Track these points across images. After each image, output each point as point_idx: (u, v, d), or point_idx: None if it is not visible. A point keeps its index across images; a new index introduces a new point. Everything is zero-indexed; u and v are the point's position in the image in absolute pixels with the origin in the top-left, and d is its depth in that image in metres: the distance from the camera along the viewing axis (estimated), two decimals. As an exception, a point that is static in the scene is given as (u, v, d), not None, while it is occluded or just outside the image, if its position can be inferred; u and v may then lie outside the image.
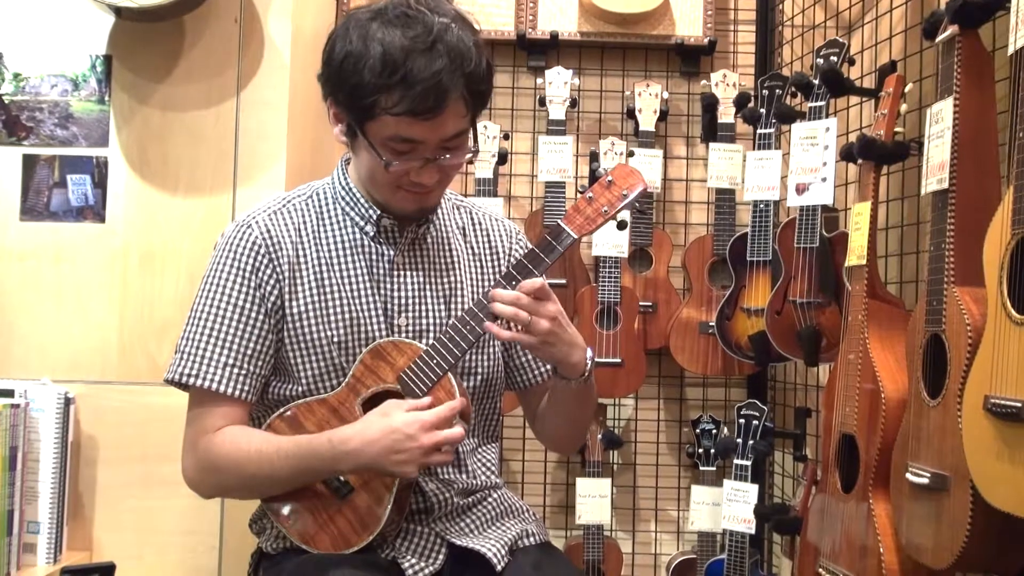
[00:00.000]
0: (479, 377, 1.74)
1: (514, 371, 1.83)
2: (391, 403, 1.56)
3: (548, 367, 1.78)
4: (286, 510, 1.63)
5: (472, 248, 1.79)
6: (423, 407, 1.55)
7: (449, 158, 1.58)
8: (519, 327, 1.55)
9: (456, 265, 1.75)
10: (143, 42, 2.33)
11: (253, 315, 1.64)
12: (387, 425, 1.52)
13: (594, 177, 1.64)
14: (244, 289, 1.64)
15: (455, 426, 1.54)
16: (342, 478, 1.60)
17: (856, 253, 2.06)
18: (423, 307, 1.69)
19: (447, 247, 1.75)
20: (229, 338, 1.63)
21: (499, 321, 1.56)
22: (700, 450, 2.86)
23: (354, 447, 1.53)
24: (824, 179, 2.37)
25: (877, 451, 1.90)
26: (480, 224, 1.83)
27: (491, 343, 1.75)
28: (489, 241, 1.81)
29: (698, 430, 2.88)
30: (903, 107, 2.06)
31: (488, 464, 1.78)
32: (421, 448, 1.51)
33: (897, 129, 2.06)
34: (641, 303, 2.92)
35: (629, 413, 3.13)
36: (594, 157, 2.89)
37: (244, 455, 1.59)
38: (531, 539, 1.74)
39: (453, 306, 1.71)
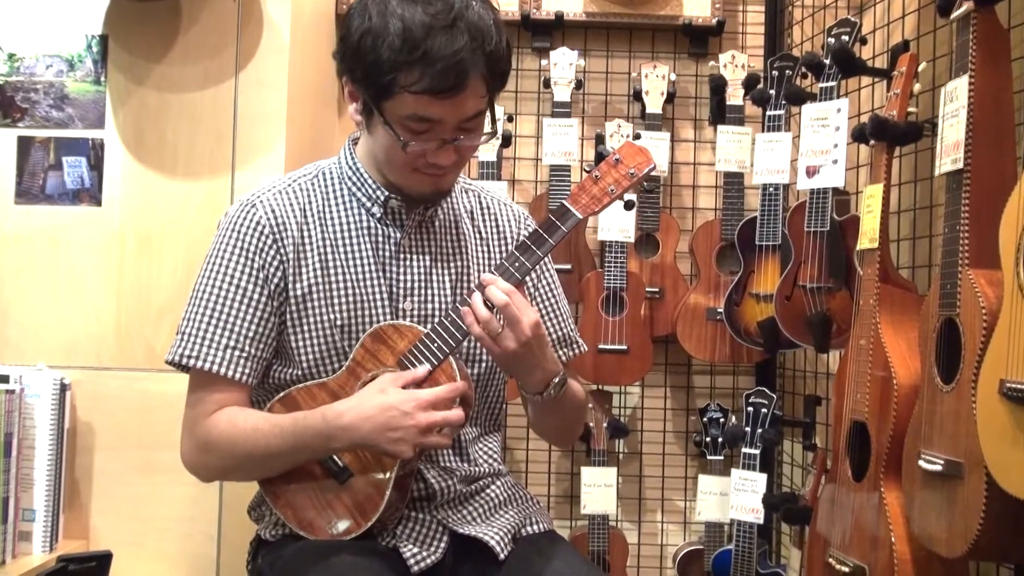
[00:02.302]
0: (483, 364, 1.74)
1: None
2: (387, 378, 1.56)
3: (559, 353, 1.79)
4: (284, 495, 1.64)
5: (480, 232, 1.79)
6: (419, 378, 1.55)
7: (466, 140, 1.57)
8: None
9: (463, 249, 1.75)
10: (140, 21, 2.32)
11: (256, 296, 1.64)
12: (383, 401, 1.52)
13: (601, 158, 1.63)
14: (247, 270, 1.64)
15: (455, 409, 1.54)
16: (340, 463, 1.60)
17: (868, 236, 2.05)
18: (429, 291, 1.69)
19: (455, 230, 1.75)
20: (231, 319, 1.63)
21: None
22: (707, 439, 2.86)
23: (348, 422, 1.53)
24: (835, 161, 2.36)
25: (889, 438, 1.90)
26: (488, 208, 1.82)
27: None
28: (497, 225, 1.81)
29: (705, 418, 2.89)
30: (916, 87, 2.05)
31: (491, 452, 1.78)
32: (416, 426, 1.50)
33: (910, 109, 2.05)
34: (648, 289, 2.91)
35: (635, 401, 3.13)
36: (600, 140, 2.89)
37: (241, 433, 1.60)
38: (535, 527, 1.75)
39: (460, 291, 1.71)
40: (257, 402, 1.71)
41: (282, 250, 1.65)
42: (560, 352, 1.81)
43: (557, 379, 1.63)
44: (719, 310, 2.83)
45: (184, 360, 1.64)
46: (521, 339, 1.54)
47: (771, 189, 2.69)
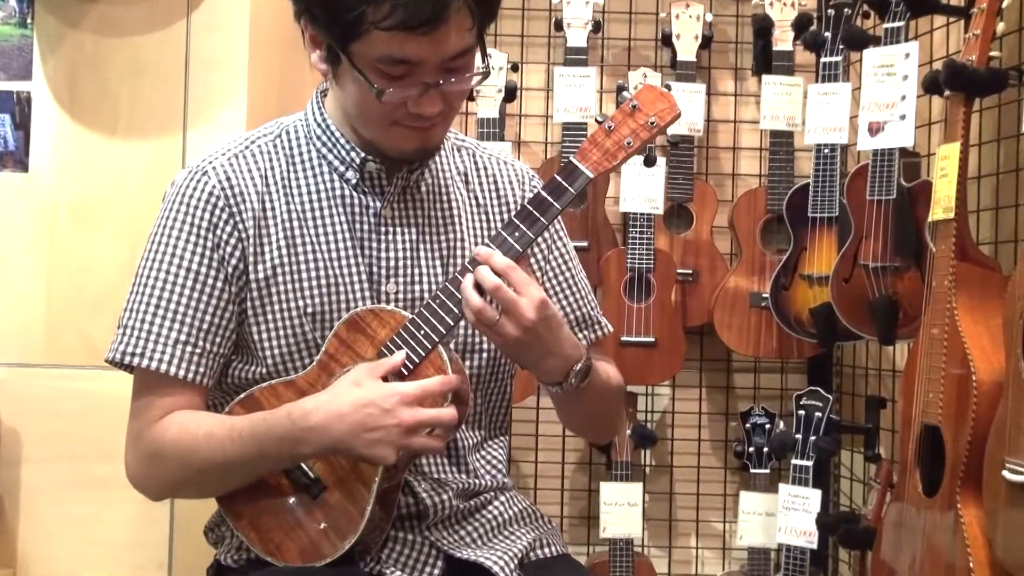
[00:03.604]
0: (484, 356, 1.73)
1: None
2: (362, 369, 1.55)
3: (580, 336, 1.79)
4: (247, 514, 1.64)
5: (476, 197, 1.79)
6: (398, 366, 1.54)
7: (454, 82, 1.56)
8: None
9: (456, 219, 1.74)
10: (73, -48, 2.32)
11: (210, 282, 1.64)
12: (358, 396, 1.52)
13: (618, 104, 1.62)
14: (199, 250, 1.64)
15: (446, 407, 1.54)
16: (311, 473, 1.60)
17: (942, 206, 2.05)
18: (416, 271, 1.69)
19: (445, 197, 1.74)
20: (182, 310, 1.63)
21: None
22: (751, 449, 2.86)
23: (317, 422, 1.53)
24: (903, 116, 2.36)
25: (967, 446, 1.90)
26: (486, 168, 1.82)
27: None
28: (497, 188, 1.81)
29: (748, 424, 2.88)
30: (1000, 26, 2.04)
31: (494, 462, 1.78)
32: (400, 426, 1.50)
33: (993, 54, 2.05)
34: (679, 270, 2.91)
35: (664, 404, 3.13)
36: (621, 92, 2.88)
37: (192, 440, 1.60)
38: (546, 550, 1.74)
39: (452, 268, 1.70)
40: (214, 407, 1.70)
41: (240, 225, 1.65)
42: (580, 335, 1.80)
43: (579, 366, 1.62)
44: (764, 295, 2.83)
45: (127, 359, 1.64)
46: (524, 324, 1.53)
47: (826, 150, 2.68)
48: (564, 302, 1.81)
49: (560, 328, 1.60)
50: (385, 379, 1.54)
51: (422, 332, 1.56)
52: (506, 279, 1.53)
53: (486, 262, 1.54)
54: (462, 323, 1.59)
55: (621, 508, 2.84)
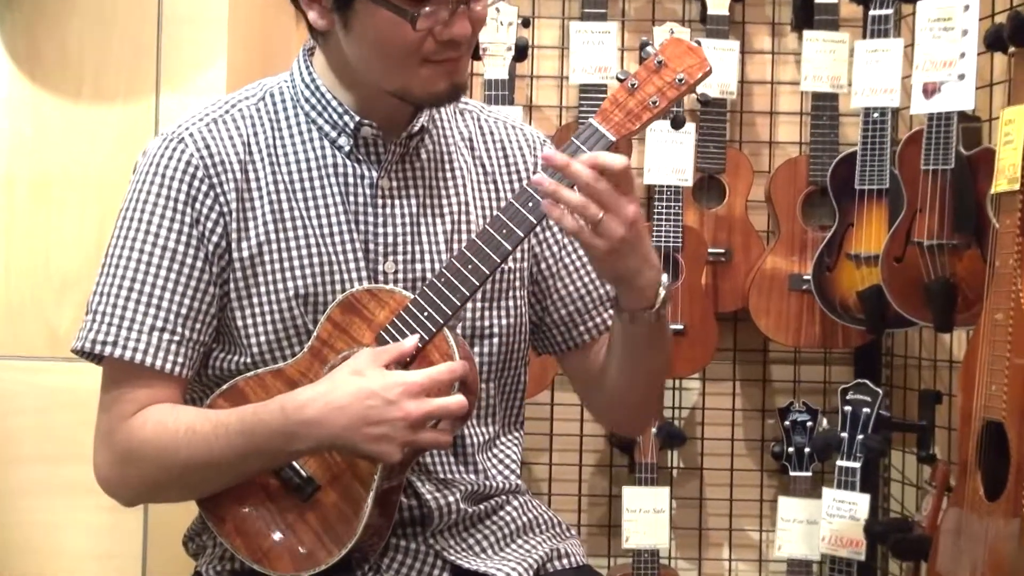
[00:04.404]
0: (496, 340, 1.73)
1: (558, 327, 1.82)
2: (364, 355, 1.55)
3: (609, 312, 1.78)
4: (232, 519, 1.64)
5: (483, 165, 1.79)
6: (406, 353, 1.54)
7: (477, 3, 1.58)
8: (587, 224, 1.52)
9: (461, 188, 1.74)
10: None
11: (189, 262, 1.64)
12: (360, 387, 1.51)
13: (642, 61, 1.62)
14: (176, 227, 1.64)
15: (454, 395, 1.54)
16: (303, 473, 1.60)
17: (1006, 175, 2.05)
18: (417, 247, 1.69)
19: (448, 165, 1.74)
20: (157, 293, 1.63)
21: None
22: (790, 449, 2.86)
23: (314, 415, 1.52)
24: (962, 76, 2.35)
25: (1034, 443, 1.91)
26: (493, 133, 1.82)
27: (511, 293, 1.75)
28: (505, 154, 1.81)
29: (787, 422, 2.89)
30: (1073, -27, 2.04)
31: (507, 461, 1.78)
32: (405, 419, 1.49)
33: (1064, 4, 2.05)
34: (711, 249, 2.91)
35: (694, 399, 3.13)
36: (644, 48, 2.87)
37: (171, 438, 1.60)
38: (565, 561, 1.74)
39: (458, 243, 1.71)
40: (192, 401, 1.71)
41: (221, 198, 1.65)
42: (605, 314, 1.81)
43: (665, 277, 1.62)
44: (806, 277, 2.83)
45: (97, 347, 1.63)
46: (626, 217, 1.52)
47: (876, 115, 2.67)
48: (586, 279, 1.81)
49: (648, 236, 1.60)
50: (388, 368, 1.54)
51: (425, 314, 1.56)
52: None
53: (563, 166, 1.51)
54: (469, 304, 1.59)
55: (645, 515, 2.85)
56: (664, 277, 1.62)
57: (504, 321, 1.74)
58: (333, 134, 1.69)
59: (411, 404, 1.50)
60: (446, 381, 1.53)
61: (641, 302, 1.61)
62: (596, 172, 1.51)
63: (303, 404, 1.54)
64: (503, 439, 1.80)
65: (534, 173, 1.77)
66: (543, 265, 1.79)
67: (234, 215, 1.66)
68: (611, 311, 1.80)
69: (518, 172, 1.80)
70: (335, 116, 1.68)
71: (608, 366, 1.77)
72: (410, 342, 1.55)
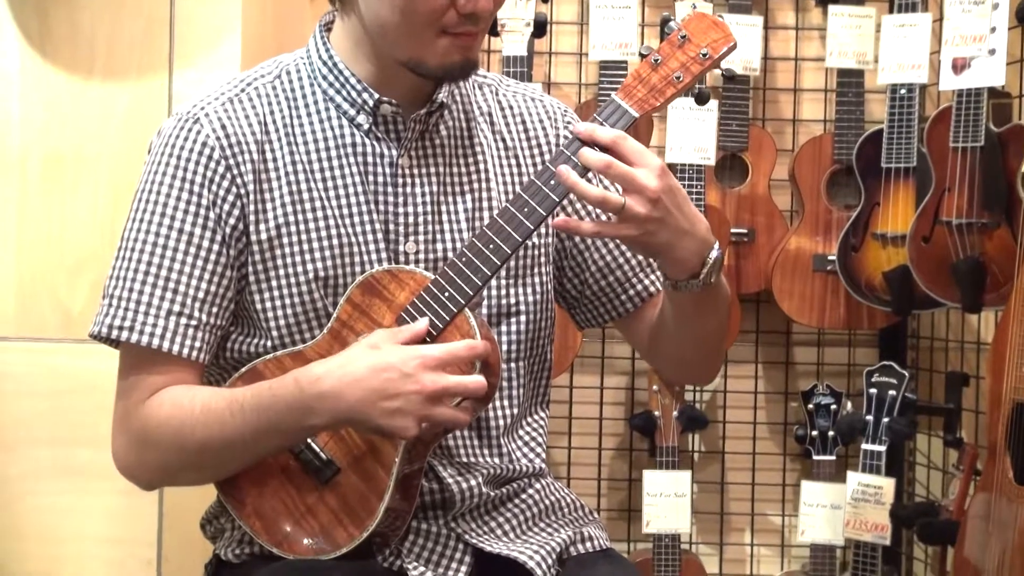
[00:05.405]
0: (523, 318, 1.73)
1: (599, 298, 1.81)
2: (382, 332, 1.56)
3: (650, 278, 1.79)
4: (251, 501, 1.65)
5: (504, 139, 1.78)
6: (421, 333, 1.54)
7: None
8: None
9: (482, 165, 1.74)
10: None
11: (206, 245, 1.64)
12: (376, 360, 1.51)
13: (664, 36, 1.61)
14: (192, 209, 1.64)
15: (475, 375, 1.54)
16: (323, 454, 1.61)
17: (1038, 153, 2.04)
18: (438, 227, 1.69)
19: (469, 141, 1.74)
20: (174, 277, 1.63)
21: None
22: (814, 432, 2.86)
23: (329, 388, 1.52)
24: (992, 51, 2.35)
25: (1066, 427, 1.90)
26: (512, 107, 1.81)
27: (536, 269, 1.75)
28: (526, 128, 1.80)
29: (811, 405, 2.88)
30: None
31: (532, 444, 1.79)
32: (421, 392, 1.49)
33: (1099, -23, 2.03)
34: (733, 230, 2.91)
35: (716, 382, 3.13)
36: (667, 24, 2.87)
37: (188, 416, 1.60)
38: (587, 544, 1.75)
39: (479, 221, 1.71)
40: (211, 384, 1.71)
41: (238, 180, 1.65)
42: (646, 280, 1.81)
43: (714, 252, 1.60)
44: (831, 258, 2.83)
45: (114, 332, 1.64)
46: (649, 195, 1.51)
47: (903, 91, 2.67)
48: (622, 246, 1.80)
49: (687, 202, 1.58)
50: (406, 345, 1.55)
51: (446, 294, 1.57)
52: (615, 152, 1.53)
53: (589, 138, 1.52)
54: (493, 282, 1.59)
55: (666, 499, 2.85)
56: (715, 251, 1.60)
57: (531, 298, 1.74)
58: (351, 112, 1.68)
59: (427, 377, 1.50)
60: (465, 357, 1.53)
61: (682, 273, 1.60)
62: (607, 158, 1.51)
63: (318, 377, 1.54)
64: (528, 419, 1.80)
65: (556, 146, 1.77)
66: (577, 238, 1.78)
67: (251, 197, 1.66)
68: (652, 276, 1.81)
69: (539, 146, 1.80)
70: (354, 94, 1.68)
71: (661, 329, 1.76)
72: (422, 323, 1.55)
